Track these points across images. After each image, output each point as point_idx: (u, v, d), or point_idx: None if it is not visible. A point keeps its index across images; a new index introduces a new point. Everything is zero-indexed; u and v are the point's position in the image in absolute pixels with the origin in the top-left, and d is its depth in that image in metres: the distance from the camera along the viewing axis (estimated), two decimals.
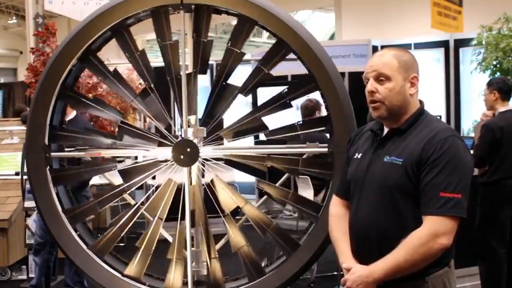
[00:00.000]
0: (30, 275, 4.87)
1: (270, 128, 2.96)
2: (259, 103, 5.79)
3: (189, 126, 2.98)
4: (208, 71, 7.19)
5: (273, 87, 4.58)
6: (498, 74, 6.85)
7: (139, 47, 2.98)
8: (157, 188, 3.09)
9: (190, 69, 2.96)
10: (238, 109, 2.84)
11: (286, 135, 2.94)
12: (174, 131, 3.22)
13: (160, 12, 2.89)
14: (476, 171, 4.33)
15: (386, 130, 2.17)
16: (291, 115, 3.06)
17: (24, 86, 8.79)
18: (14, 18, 23.45)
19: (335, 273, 4.95)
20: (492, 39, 7.11)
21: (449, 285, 2.08)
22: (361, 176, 2.16)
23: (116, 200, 3.01)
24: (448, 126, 2.13)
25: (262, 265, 3.07)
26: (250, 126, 2.93)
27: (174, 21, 2.97)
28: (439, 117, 2.43)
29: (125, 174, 3.00)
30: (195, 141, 2.97)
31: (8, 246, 5.55)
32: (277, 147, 3.05)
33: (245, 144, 3.32)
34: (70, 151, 3.10)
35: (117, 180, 3.11)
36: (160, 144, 2.96)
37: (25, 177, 4.16)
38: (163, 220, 2.96)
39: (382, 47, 8.22)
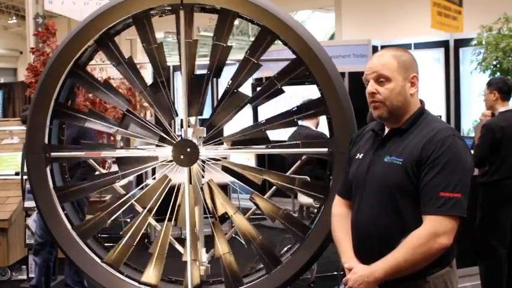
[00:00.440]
0: (30, 275, 4.87)
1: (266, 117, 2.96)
2: (260, 109, 5.80)
3: (189, 126, 2.98)
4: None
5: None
6: (498, 74, 6.85)
7: (139, 47, 2.97)
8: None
9: (183, 69, 2.93)
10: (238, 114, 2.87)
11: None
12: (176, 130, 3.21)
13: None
14: (477, 171, 4.33)
15: (387, 130, 2.18)
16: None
17: (24, 86, 8.78)
18: (14, 18, 23.45)
19: (335, 273, 4.95)
20: (492, 39, 7.11)
21: (451, 285, 2.08)
22: (362, 176, 2.16)
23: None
24: (448, 126, 2.13)
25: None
26: (253, 137, 2.93)
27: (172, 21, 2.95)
28: (439, 117, 2.43)
29: (122, 162, 2.99)
30: (195, 141, 2.96)
31: (8, 246, 5.55)
32: (277, 148, 3.05)
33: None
34: (70, 151, 3.10)
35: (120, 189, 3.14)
36: (162, 140, 2.96)
37: (25, 177, 4.15)
38: (152, 214, 2.96)
39: (382, 47, 8.21)
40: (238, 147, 2.99)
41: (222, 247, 2.94)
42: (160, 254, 2.94)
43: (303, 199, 5.09)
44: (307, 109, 2.95)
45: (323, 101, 2.84)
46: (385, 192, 2.06)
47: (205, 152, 2.97)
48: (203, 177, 3.04)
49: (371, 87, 2.11)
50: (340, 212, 2.31)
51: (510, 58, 6.91)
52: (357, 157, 2.24)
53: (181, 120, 2.98)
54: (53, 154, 2.98)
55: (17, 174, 5.56)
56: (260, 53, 2.86)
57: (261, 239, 2.91)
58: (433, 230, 1.94)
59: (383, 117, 2.14)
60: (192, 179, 2.94)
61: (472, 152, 4.25)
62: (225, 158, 3.13)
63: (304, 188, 2.92)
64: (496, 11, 7.39)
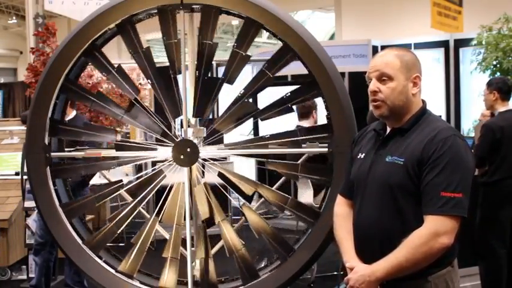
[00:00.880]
0: (30, 275, 4.86)
1: (270, 132, 2.96)
2: (258, 103, 5.81)
3: (189, 126, 2.98)
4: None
5: (273, 87, 4.57)
6: (498, 74, 6.86)
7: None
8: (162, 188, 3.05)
9: (190, 69, 2.95)
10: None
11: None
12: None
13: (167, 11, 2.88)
14: (477, 171, 4.33)
15: (389, 130, 2.18)
16: (289, 115, 3.05)
17: (24, 86, 8.78)
18: (14, 18, 23.47)
19: (335, 273, 4.95)
20: (492, 39, 7.12)
21: (452, 285, 2.08)
22: (363, 176, 2.17)
23: (112, 196, 3.00)
24: (449, 126, 2.13)
25: (263, 265, 3.07)
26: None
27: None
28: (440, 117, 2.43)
29: (119, 146, 2.98)
30: (195, 141, 2.96)
31: (8, 246, 5.55)
32: (278, 148, 3.05)
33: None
34: (70, 151, 3.10)
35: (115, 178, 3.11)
36: (164, 135, 2.95)
37: (25, 177, 4.15)
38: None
39: (382, 47, 8.22)
40: (238, 147, 2.99)
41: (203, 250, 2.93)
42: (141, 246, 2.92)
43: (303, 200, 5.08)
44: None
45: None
46: (386, 191, 2.06)
47: (206, 152, 2.97)
48: (203, 177, 3.04)
49: (373, 85, 2.12)
50: (342, 212, 2.31)
51: (510, 58, 6.92)
52: (358, 157, 2.25)
53: (181, 120, 2.98)
54: (53, 154, 2.99)
55: (17, 174, 5.56)
56: (277, 69, 2.86)
57: (242, 252, 2.90)
58: (434, 230, 1.94)
59: (384, 116, 2.14)
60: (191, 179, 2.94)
61: (472, 151, 4.25)
62: (225, 158, 3.12)
63: (295, 209, 2.91)
64: (496, 11, 7.40)
